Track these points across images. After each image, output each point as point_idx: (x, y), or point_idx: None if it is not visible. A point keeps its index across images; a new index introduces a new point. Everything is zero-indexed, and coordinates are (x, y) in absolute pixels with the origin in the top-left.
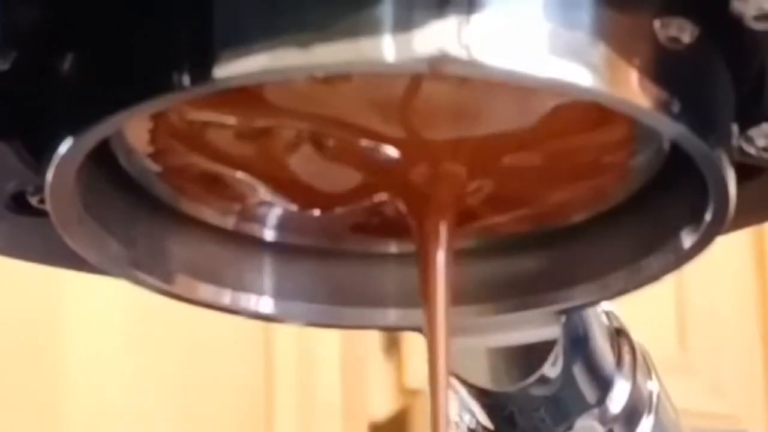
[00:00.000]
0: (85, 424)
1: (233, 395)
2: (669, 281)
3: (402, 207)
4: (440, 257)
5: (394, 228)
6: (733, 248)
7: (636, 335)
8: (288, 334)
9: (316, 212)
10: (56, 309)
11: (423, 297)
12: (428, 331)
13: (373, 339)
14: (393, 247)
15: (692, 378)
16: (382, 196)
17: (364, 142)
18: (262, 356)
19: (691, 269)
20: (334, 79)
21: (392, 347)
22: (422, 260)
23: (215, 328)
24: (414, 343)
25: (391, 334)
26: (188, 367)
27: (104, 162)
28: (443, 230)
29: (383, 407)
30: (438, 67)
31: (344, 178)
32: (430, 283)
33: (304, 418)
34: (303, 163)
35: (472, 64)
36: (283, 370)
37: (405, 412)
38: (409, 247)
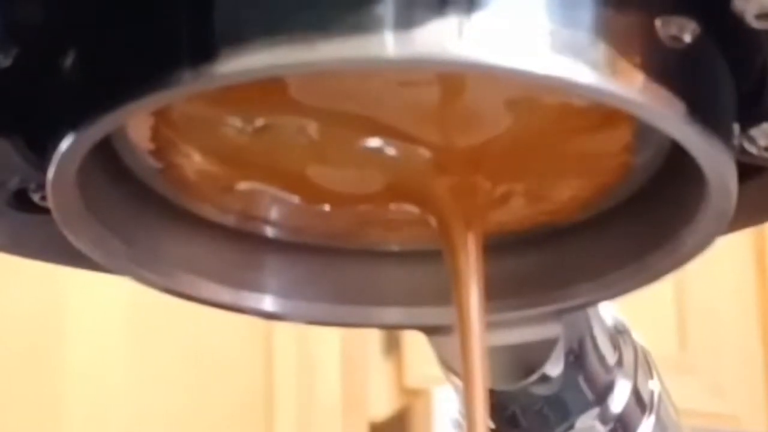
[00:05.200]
0: (85, 422)
1: (233, 395)
2: (669, 281)
3: (428, 216)
4: (471, 264)
5: (401, 225)
6: (733, 248)
7: (636, 335)
8: (288, 334)
9: (325, 208)
10: (58, 308)
11: (456, 302)
12: (462, 336)
13: (373, 339)
14: (396, 246)
15: (692, 378)
16: (402, 205)
17: (390, 149)
18: (262, 356)
19: (691, 269)
20: (353, 76)
21: (392, 347)
22: (453, 268)
23: (216, 328)
24: (414, 343)
25: (391, 334)
26: (188, 367)
27: (106, 159)
28: (472, 238)
29: (383, 407)
30: (439, 64)
31: (363, 183)
32: (463, 289)
33: (304, 418)
34: (318, 164)
35: (472, 61)
36: (283, 370)
37: (405, 412)
38: (411, 245)
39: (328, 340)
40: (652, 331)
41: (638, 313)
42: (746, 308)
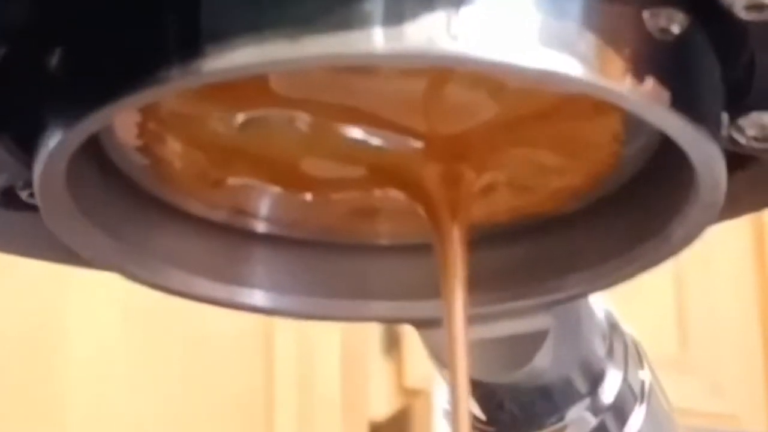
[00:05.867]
0: (85, 423)
1: (233, 395)
2: (669, 281)
3: (415, 204)
4: (457, 252)
5: (391, 216)
6: (733, 248)
7: (636, 335)
8: (288, 334)
9: (314, 198)
10: (59, 309)
11: (442, 288)
12: (448, 325)
13: (373, 339)
14: (386, 239)
15: (692, 378)
16: (390, 193)
17: (376, 136)
18: (262, 356)
19: (692, 269)
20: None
21: (392, 347)
22: (439, 256)
23: (215, 328)
24: (414, 343)
25: (391, 333)
26: (188, 367)
27: (94, 155)
28: (458, 226)
29: (383, 407)
30: (427, 59)
31: (351, 170)
32: (448, 276)
33: (304, 418)
34: (305, 153)
35: (461, 55)
36: (283, 370)
37: (405, 412)
38: (401, 239)
39: (328, 340)
40: (652, 331)
41: (638, 313)
42: (746, 308)
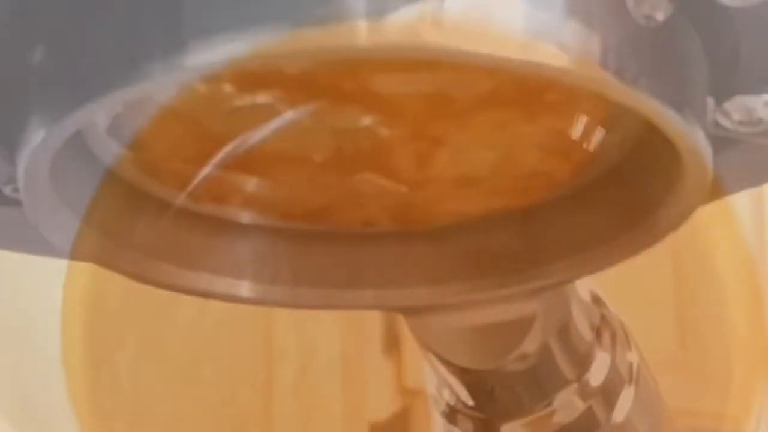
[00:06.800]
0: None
1: (232, 395)
2: (669, 280)
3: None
4: None
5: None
6: (733, 248)
7: (636, 335)
8: (287, 334)
9: (291, 184)
10: (57, 306)
11: None
12: None
13: (373, 339)
14: (370, 228)
15: (692, 378)
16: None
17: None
18: (261, 356)
19: (692, 269)
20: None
21: (392, 347)
22: None
23: (215, 328)
24: (414, 343)
25: (391, 334)
26: (186, 367)
27: (77, 147)
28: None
29: (383, 407)
30: (412, 52)
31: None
32: None
33: (304, 418)
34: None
35: (447, 49)
36: (283, 370)
37: (405, 412)
38: (385, 226)
39: (328, 340)
40: (652, 331)
41: (638, 313)
42: (746, 308)
